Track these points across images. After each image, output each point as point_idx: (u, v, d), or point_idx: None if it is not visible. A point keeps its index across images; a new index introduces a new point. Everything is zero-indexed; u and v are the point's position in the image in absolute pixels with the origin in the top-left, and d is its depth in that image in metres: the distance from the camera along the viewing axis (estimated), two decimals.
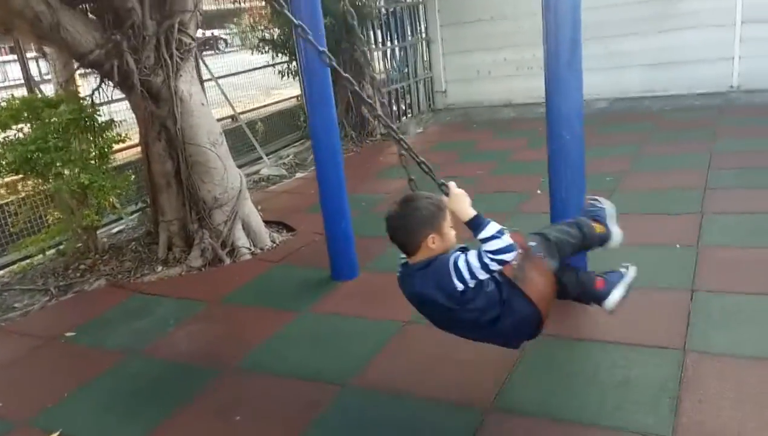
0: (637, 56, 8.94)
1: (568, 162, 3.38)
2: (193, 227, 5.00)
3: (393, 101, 9.60)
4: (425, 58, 10.38)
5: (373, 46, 9.11)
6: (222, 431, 2.88)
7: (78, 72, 5.55)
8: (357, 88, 3.06)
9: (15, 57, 7.46)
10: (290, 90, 10.72)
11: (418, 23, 10.20)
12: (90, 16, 4.71)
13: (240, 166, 5.78)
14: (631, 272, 2.68)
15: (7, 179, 4.92)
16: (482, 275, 2.22)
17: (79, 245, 5.29)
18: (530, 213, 5.13)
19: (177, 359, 3.61)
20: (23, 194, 5.07)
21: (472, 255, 2.22)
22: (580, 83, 3.29)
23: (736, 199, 4.82)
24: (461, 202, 2.30)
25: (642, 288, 3.58)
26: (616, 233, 2.79)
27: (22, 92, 5.67)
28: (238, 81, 10.51)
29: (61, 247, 5.39)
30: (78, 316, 4.34)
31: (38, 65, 8.59)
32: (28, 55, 6.53)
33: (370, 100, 3.17)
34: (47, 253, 5.33)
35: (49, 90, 6.03)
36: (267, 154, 8.48)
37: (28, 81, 6.04)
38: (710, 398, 2.61)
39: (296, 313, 3.93)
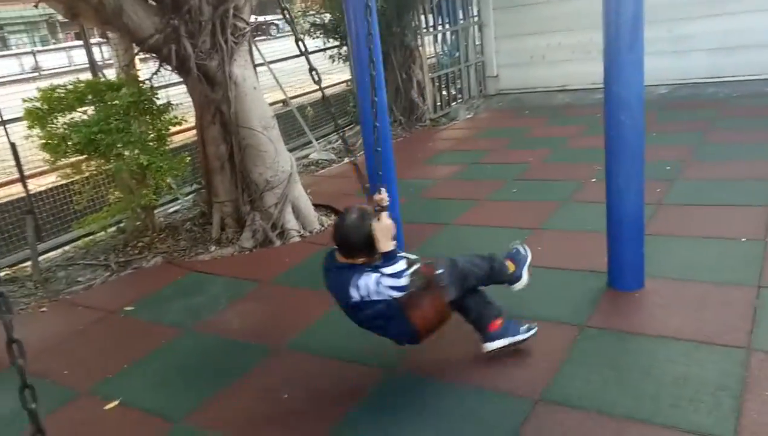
0: (702, 40, 8.52)
1: (626, 149, 3.28)
2: (245, 208, 5.10)
3: (442, 86, 9.50)
4: (477, 43, 10.22)
5: (424, 31, 9.02)
6: (270, 407, 2.94)
7: (138, 56, 5.70)
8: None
9: (80, 43, 7.71)
10: (340, 75, 10.74)
11: (470, 6, 10.02)
12: (150, 1, 4.82)
13: (290, 151, 5.83)
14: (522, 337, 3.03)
15: (72, 160, 5.09)
16: (374, 297, 2.62)
17: (138, 223, 5.47)
18: (583, 202, 5.01)
19: (228, 336, 3.70)
20: (87, 174, 5.24)
21: (373, 281, 2.59)
22: (640, 66, 3.17)
23: None
24: (386, 234, 2.61)
25: (704, 282, 3.50)
26: (524, 280, 3.06)
27: (86, 76, 5.84)
28: (289, 66, 10.57)
29: (121, 225, 5.59)
30: (136, 291, 4.50)
31: (101, 50, 8.84)
32: (92, 40, 6.73)
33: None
34: (108, 230, 5.53)
35: (111, 74, 6.21)
36: (316, 139, 8.54)
37: (93, 65, 6.22)
38: None
39: None
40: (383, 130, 4.11)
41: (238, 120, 4.90)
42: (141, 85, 5.19)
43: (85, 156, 5.05)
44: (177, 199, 6.23)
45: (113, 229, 5.62)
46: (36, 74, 17.01)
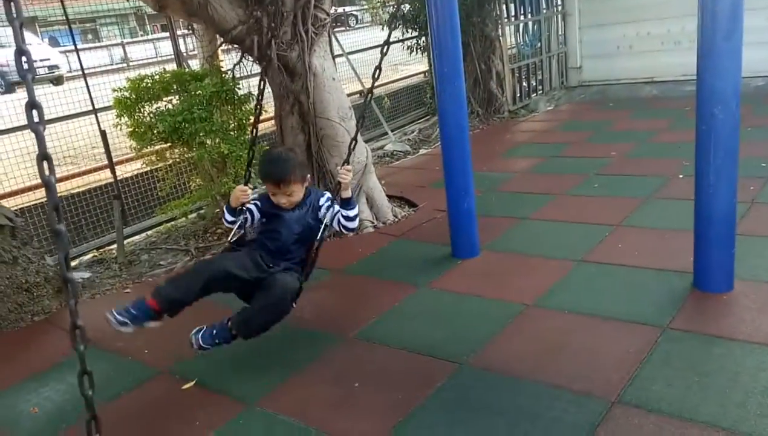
0: None
1: (719, 144, 3.09)
2: None
3: (522, 77, 9.29)
4: (560, 33, 9.92)
5: (505, 20, 8.83)
6: (341, 395, 2.96)
7: (221, 48, 5.87)
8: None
9: (166, 34, 8.02)
10: (417, 66, 10.70)
11: None
12: None
13: (366, 142, 5.86)
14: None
15: (156, 147, 5.31)
16: (327, 222, 3.20)
17: (217, 210, 5.63)
18: (668, 199, 4.78)
19: (300, 324, 3.74)
20: (170, 161, 5.45)
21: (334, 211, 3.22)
22: (738, 57, 2.98)
23: None
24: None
25: None
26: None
27: (172, 67, 6.08)
28: (367, 57, 10.63)
29: (202, 211, 5.78)
30: None
31: (185, 42, 9.18)
32: (178, 32, 6.99)
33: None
34: (189, 217, 5.74)
35: (195, 65, 6.44)
36: (392, 130, 8.55)
37: (178, 56, 6.46)
38: None
39: (415, 287, 3.94)
40: (462, 121, 4.06)
41: (316, 111, 4.95)
42: (223, 75, 5.33)
43: (169, 144, 5.25)
44: (255, 187, 6.37)
45: (194, 215, 5.83)
46: (124, 65, 17.87)
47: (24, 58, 1.47)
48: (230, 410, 2.98)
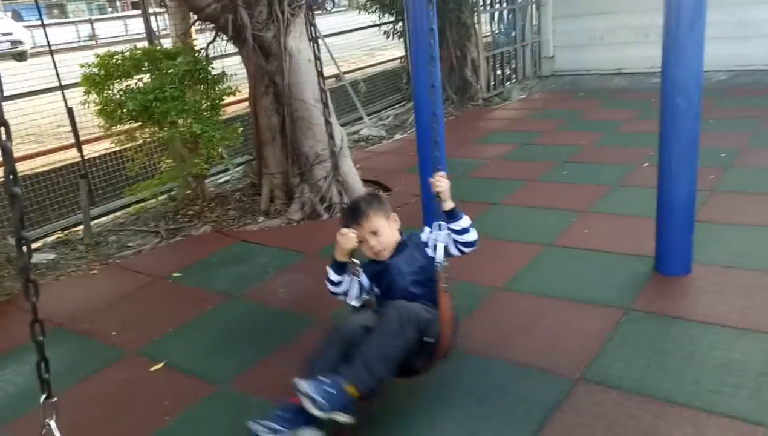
0: (765, 26, 8.16)
1: (680, 133, 3.20)
2: (295, 181, 5.17)
3: (497, 66, 9.37)
4: (534, 22, 10.02)
5: (481, 8, 8.88)
6: None
7: (194, 26, 5.81)
8: None
9: (137, 12, 7.87)
10: (393, 51, 10.71)
11: None
12: None
13: (342, 126, 5.87)
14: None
15: (126, 127, 5.23)
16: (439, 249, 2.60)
17: (188, 192, 5.61)
18: (633, 187, 4.93)
19: (274, 305, 3.78)
20: (140, 141, 5.39)
21: (443, 234, 2.64)
22: (700, 49, 3.08)
23: None
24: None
25: (754, 270, 3.43)
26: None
27: (143, 45, 5.97)
28: (342, 41, 10.60)
29: (172, 193, 5.74)
30: (185, 258, 4.63)
31: (157, 20, 9.04)
32: (149, 10, 6.88)
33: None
34: (159, 198, 5.69)
35: (167, 44, 6.35)
36: (368, 115, 8.56)
37: (149, 34, 6.37)
38: None
39: None
40: (438, 108, 4.11)
41: (291, 92, 4.95)
42: (197, 54, 5.28)
43: (139, 123, 5.18)
44: (227, 169, 6.36)
45: (164, 196, 5.78)
46: (92, 42, 17.45)
47: None
48: (201, 391, 2.99)
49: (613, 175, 5.23)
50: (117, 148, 5.65)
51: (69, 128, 5.56)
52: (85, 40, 18.69)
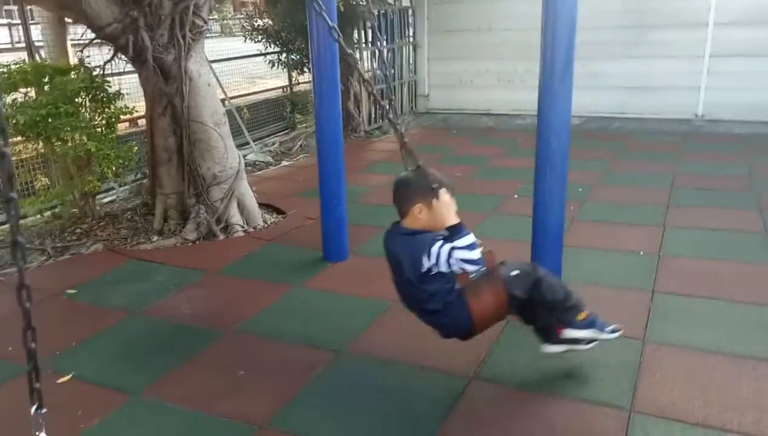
0: (612, 78, 9.42)
1: (553, 167, 3.75)
2: (190, 201, 5.23)
3: (377, 101, 9.86)
4: (411, 62, 10.73)
5: (363, 46, 9.41)
6: (227, 383, 3.14)
7: (70, 42, 5.69)
8: (359, 69, 3.33)
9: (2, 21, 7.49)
10: (275, 80, 10.93)
11: (406, 27, 10.53)
12: None
13: None
14: (606, 336, 2.96)
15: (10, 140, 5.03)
16: (443, 269, 2.57)
17: (75, 210, 5.45)
18: (507, 215, 5.52)
19: (179, 320, 3.84)
20: (24, 156, 5.19)
21: (445, 248, 2.53)
22: (569, 96, 3.65)
23: (694, 216, 5.29)
24: (448, 209, 2.62)
25: (609, 287, 4.04)
26: (580, 345, 2.96)
27: (14, 57, 5.72)
28: (225, 67, 10.64)
29: (56, 210, 5.53)
30: (77, 276, 4.53)
31: (14, 31, 8.60)
32: (14, 21, 6.61)
33: (376, 94, 3.47)
34: (44, 214, 5.47)
35: (43, 55, 6.14)
36: (254, 141, 8.69)
37: (30, 46, 6.14)
38: (664, 379, 3.01)
39: (291, 286, 4.21)
40: (337, 136, 4.45)
41: (190, 114, 5.05)
42: (91, 71, 5.22)
43: (23, 138, 5.01)
44: (113, 188, 6.23)
45: (48, 214, 5.56)
46: None
47: None
48: (114, 401, 3.02)
49: (489, 204, 5.82)
50: None
51: None
52: None
